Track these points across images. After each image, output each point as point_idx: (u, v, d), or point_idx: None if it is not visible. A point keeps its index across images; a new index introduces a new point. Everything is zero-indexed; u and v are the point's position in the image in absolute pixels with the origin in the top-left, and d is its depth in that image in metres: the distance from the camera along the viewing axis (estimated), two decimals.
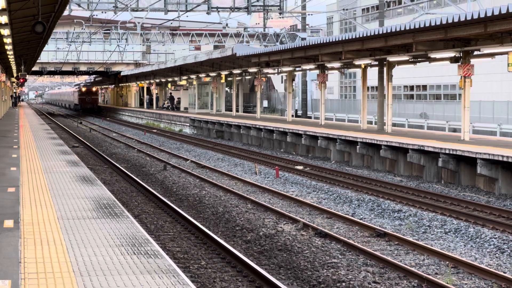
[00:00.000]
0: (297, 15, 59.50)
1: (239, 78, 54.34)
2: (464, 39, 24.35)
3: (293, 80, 46.72)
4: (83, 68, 78.74)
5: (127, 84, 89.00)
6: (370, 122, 41.69)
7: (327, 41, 30.51)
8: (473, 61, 25.16)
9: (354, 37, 27.60)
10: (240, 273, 11.76)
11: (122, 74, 79.61)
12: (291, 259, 12.92)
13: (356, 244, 13.80)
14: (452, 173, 22.72)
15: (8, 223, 10.36)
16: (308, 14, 58.21)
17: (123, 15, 53.77)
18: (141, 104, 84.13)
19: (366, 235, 15.20)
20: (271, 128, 35.98)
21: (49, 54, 72.47)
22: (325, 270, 12.17)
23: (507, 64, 23.57)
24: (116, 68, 79.38)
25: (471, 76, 25.03)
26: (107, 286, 7.37)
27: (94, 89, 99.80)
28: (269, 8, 52.50)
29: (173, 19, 50.08)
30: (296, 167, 27.41)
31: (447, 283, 11.35)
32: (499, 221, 16.00)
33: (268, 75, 59.44)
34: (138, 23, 53.61)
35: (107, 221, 10.87)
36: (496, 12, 19.17)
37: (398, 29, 24.15)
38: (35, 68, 75.11)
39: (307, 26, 64.11)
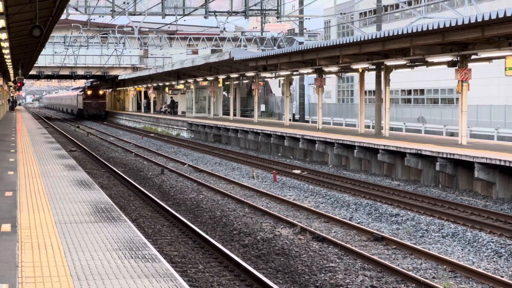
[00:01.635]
0: (295, 19, 59.55)
1: (237, 82, 54.38)
2: (462, 43, 24.38)
3: (291, 84, 46.75)
4: (80, 72, 78.76)
5: (124, 88, 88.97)
6: (368, 126, 41.70)
7: (325, 45, 30.54)
8: (470, 65, 25.18)
9: (351, 41, 27.62)
10: (238, 277, 11.75)
11: (119, 78, 79.62)
12: (289, 263, 12.92)
13: (353, 248, 13.80)
14: (449, 177, 22.73)
15: (6, 227, 10.35)
16: (306, 18, 58.29)
17: (121, 19, 53.75)
18: (139, 108, 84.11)
19: (363, 239, 15.20)
20: (269, 132, 35.98)
21: (46, 58, 72.45)
22: (322, 274, 12.17)
23: (504, 68, 23.59)
24: (113, 72, 79.38)
25: (469, 80, 25.05)
26: None
27: (101, 92, 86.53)
28: (266, 12, 52.51)
29: (170, 23, 50.05)
30: (293, 171, 27.41)
31: (445, 287, 11.36)
32: (496, 225, 16.01)
33: (266, 79, 59.48)
34: (136, 27, 53.61)
35: (105, 225, 10.85)
36: (494, 16, 19.20)
37: (395, 33, 24.18)
38: (32, 72, 75.10)
39: (304, 30, 64.15)
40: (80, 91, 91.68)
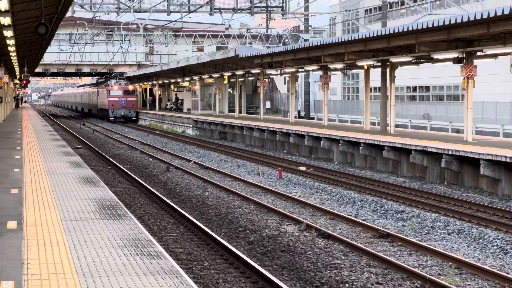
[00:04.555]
0: (300, 16, 59.53)
1: (242, 79, 54.35)
2: (467, 40, 24.34)
3: (296, 81, 46.71)
4: (86, 69, 78.83)
5: None
6: (373, 123, 41.66)
7: (330, 42, 30.51)
8: (476, 62, 25.15)
9: (356, 38, 27.59)
10: (243, 274, 11.76)
11: (125, 75, 79.70)
12: (294, 260, 12.92)
13: (359, 245, 13.80)
14: (455, 174, 22.71)
15: (12, 225, 10.37)
16: (311, 15, 58.28)
17: (126, 16, 53.81)
18: (144, 106, 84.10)
19: (369, 236, 15.19)
20: (274, 129, 35.98)
21: (52, 55, 72.58)
22: (328, 271, 12.17)
23: (510, 65, 23.56)
24: (119, 70, 79.45)
25: (474, 77, 25.02)
26: (110, 287, 7.37)
27: (130, 87, 70.02)
28: (271, 9, 52.53)
29: (175, 20, 50.16)
30: (299, 168, 27.41)
31: (450, 284, 11.34)
32: (502, 222, 15.99)
33: (271, 76, 59.47)
34: (141, 24, 53.68)
35: (110, 222, 10.87)
36: (499, 13, 19.16)
37: (401, 30, 24.14)
38: (38, 70, 75.23)
39: (309, 27, 64.13)
40: (103, 86, 74.87)
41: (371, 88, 36.40)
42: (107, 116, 69.16)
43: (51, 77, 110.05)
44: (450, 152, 22.14)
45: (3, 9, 17.20)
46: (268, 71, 44.21)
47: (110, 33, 64.73)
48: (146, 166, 28.90)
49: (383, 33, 25.40)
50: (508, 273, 12.13)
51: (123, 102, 68.01)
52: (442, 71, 46.84)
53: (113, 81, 71.46)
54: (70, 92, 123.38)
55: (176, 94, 71.73)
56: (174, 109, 70.04)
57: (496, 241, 14.38)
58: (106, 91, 69.48)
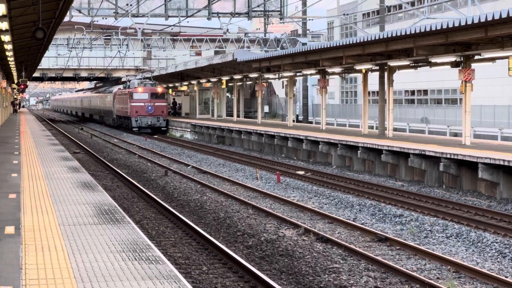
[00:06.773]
0: (298, 20, 59.54)
1: (240, 83, 54.37)
2: (465, 44, 24.36)
3: (294, 85, 46.72)
4: (84, 74, 78.81)
5: None
6: (371, 127, 41.66)
7: (328, 46, 30.53)
8: (474, 65, 25.16)
9: (354, 42, 27.62)
10: (242, 278, 11.74)
11: (123, 80, 79.67)
12: (293, 264, 12.91)
13: (357, 249, 13.79)
14: (453, 177, 22.71)
15: (9, 230, 10.35)
16: (309, 19, 58.27)
17: (124, 21, 53.74)
18: None
19: (367, 240, 15.18)
20: (272, 134, 35.97)
21: (49, 60, 72.56)
22: (326, 275, 12.16)
23: (507, 69, 23.58)
24: (117, 74, 79.43)
25: (472, 80, 25.03)
26: None
27: (159, 89, 56.51)
28: (269, 13, 52.51)
29: (173, 25, 50.10)
30: (297, 172, 27.40)
31: (449, 287, 11.34)
32: (500, 226, 15.99)
33: (269, 80, 59.49)
34: (139, 28, 53.62)
35: (108, 227, 10.85)
36: (497, 17, 19.19)
37: (398, 34, 24.16)
38: (36, 74, 75.20)
39: (307, 31, 64.11)
40: (121, 88, 61.80)
41: (369, 92, 36.40)
42: (129, 126, 56.64)
43: (49, 81, 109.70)
44: (448, 156, 22.15)
45: (0, 14, 17.20)
46: (266, 75, 44.23)
47: (108, 37, 64.62)
48: (144, 171, 28.88)
49: (381, 37, 25.42)
50: (506, 277, 12.13)
51: (149, 108, 55.16)
52: (440, 75, 46.87)
53: (137, 81, 58.75)
54: (75, 96, 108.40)
55: (174, 98, 71.73)
56: (172, 113, 70.05)
57: (494, 245, 14.37)
58: (128, 94, 56.60)
